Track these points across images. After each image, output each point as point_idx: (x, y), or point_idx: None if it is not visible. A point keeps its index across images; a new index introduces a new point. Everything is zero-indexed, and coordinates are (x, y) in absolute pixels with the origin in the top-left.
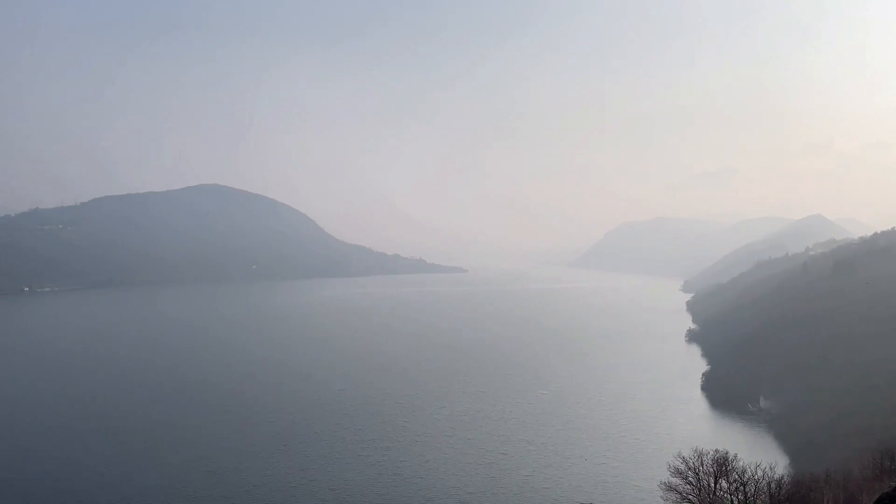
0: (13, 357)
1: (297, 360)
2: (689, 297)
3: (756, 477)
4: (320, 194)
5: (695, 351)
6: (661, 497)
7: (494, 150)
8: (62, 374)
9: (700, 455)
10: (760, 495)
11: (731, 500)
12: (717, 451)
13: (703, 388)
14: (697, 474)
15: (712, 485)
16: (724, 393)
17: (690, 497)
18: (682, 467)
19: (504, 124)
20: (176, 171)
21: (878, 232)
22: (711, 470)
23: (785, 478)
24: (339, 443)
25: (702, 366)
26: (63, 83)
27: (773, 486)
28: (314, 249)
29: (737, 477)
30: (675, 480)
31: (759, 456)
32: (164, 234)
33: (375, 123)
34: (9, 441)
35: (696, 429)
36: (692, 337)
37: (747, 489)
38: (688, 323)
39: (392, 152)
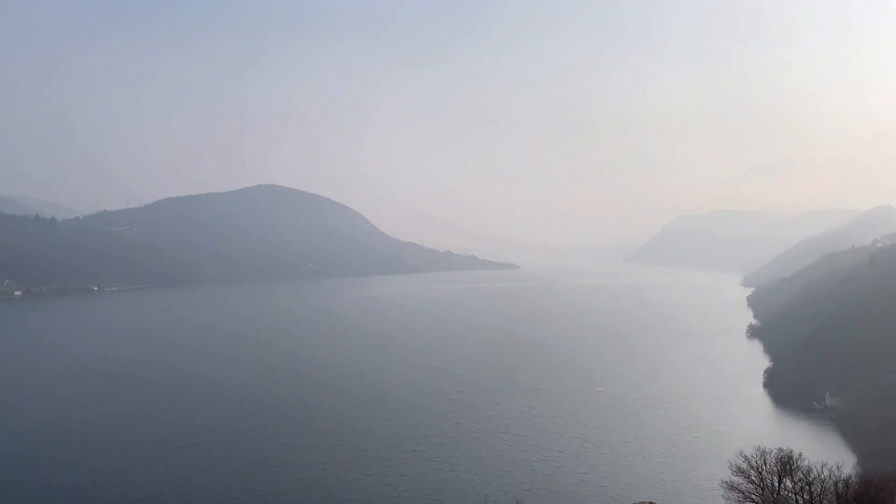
0: (84, 353)
1: (351, 357)
2: (749, 292)
3: (822, 476)
4: (373, 193)
5: (756, 347)
6: (723, 496)
7: (547, 147)
8: (127, 371)
9: (763, 454)
10: (827, 495)
11: (796, 500)
12: (780, 449)
13: (766, 386)
14: (760, 473)
15: (776, 484)
16: (787, 390)
17: (753, 496)
18: (745, 466)
19: (554, 121)
20: (234, 172)
21: None
22: (775, 469)
23: (852, 477)
24: (394, 438)
25: (764, 362)
26: (126, 90)
27: (839, 485)
28: (368, 247)
29: (801, 476)
30: (737, 479)
31: (825, 455)
32: (224, 234)
33: (425, 123)
34: (85, 428)
35: (759, 427)
36: (753, 333)
37: (813, 489)
38: (749, 318)
39: (442, 151)
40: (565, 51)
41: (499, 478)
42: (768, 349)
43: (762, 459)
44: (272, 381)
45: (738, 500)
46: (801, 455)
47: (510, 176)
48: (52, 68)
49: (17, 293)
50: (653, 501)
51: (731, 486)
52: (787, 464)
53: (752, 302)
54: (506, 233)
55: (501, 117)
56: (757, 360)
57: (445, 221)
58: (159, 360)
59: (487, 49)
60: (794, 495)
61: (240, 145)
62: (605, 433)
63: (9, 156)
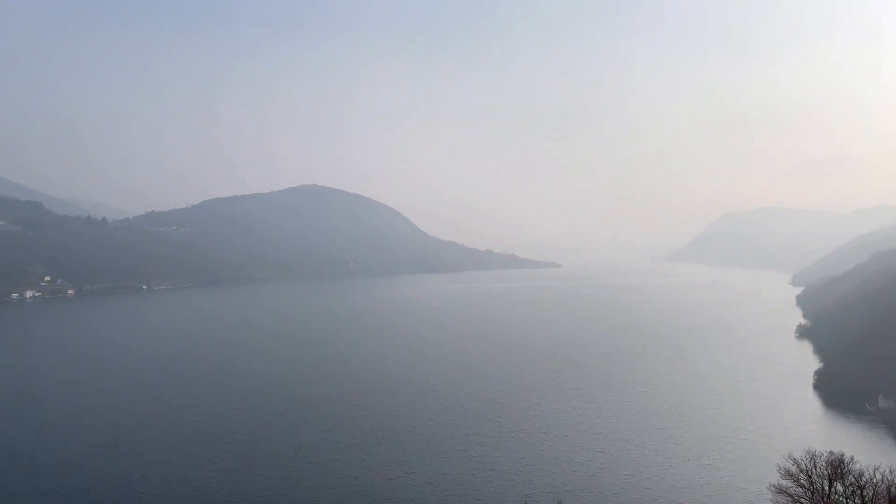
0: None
1: (393, 355)
2: (798, 290)
3: (874, 480)
4: (413, 192)
5: (806, 347)
6: (771, 500)
7: (589, 145)
8: (173, 367)
9: (813, 457)
10: (879, 500)
11: None
12: (831, 452)
13: (816, 387)
14: (810, 477)
15: (826, 488)
16: (838, 392)
17: (802, 500)
18: (794, 469)
19: (596, 119)
20: (278, 172)
21: None
22: (825, 472)
23: None
24: (435, 437)
25: (814, 363)
26: (171, 92)
27: (893, 489)
28: (408, 246)
29: (853, 480)
30: (786, 483)
31: (879, 458)
32: (267, 234)
33: (465, 123)
34: (139, 420)
35: (809, 429)
36: (803, 332)
37: (865, 493)
38: (798, 318)
39: (483, 150)
40: (611, 48)
41: (540, 478)
42: (818, 349)
43: (812, 462)
44: (314, 379)
45: None
46: (852, 458)
47: (553, 174)
48: (106, 74)
49: (70, 292)
50: None
51: (780, 490)
52: (837, 467)
53: (802, 301)
54: (547, 231)
55: (543, 118)
56: (807, 361)
57: (486, 220)
58: (203, 357)
59: (526, 51)
60: (845, 500)
61: (283, 146)
62: (649, 435)
63: (63, 159)
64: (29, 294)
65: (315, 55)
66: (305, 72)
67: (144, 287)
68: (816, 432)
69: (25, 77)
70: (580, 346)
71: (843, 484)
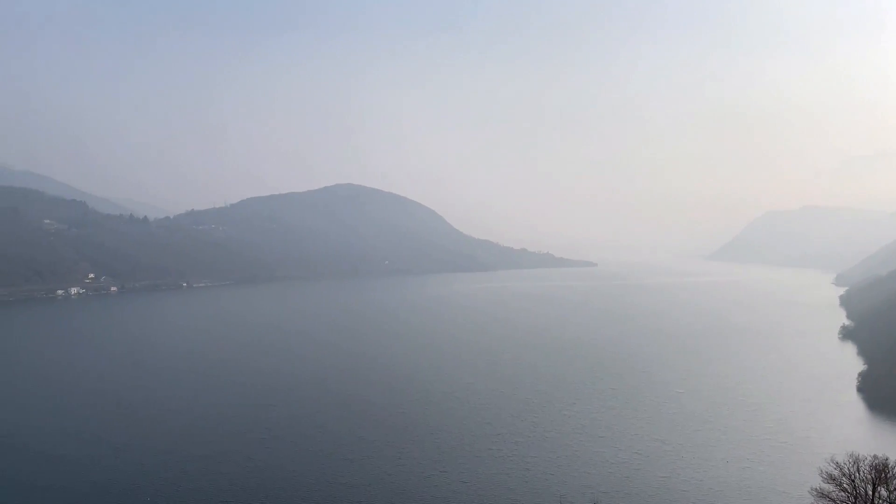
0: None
1: (428, 354)
2: (842, 291)
3: None
4: (448, 190)
5: (849, 349)
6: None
7: (626, 142)
8: (212, 364)
9: (856, 460)
10: None
11: None
12: (875, 456)
13: (860, 390)
14: (853, 481)
15: (870, 493)
16: (883, 395)
17: None
18: (836, 473)
19: (633, 115)
20: (314, 172)
21: None
22: (869, 477)
23: None
24: (469, 436)
25: (858, 365)
26: (212, 95)
27: None
28: (443, 245)
29: None
30: (828, 487)
31: None
32: (304, 232)
33: (499, 121)
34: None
35: (852, 433)
36: (846, 334)
37: None
38: (841, 319)
39: (517, 149)
40: (662, 49)
41: (575, 479)
42: (862, 351)
43: (855, 466)
44: (350, 379)
45: None
46: None
47: (589, 172)
48: (149, 76)
49: (113, 289)
50: None
51: (822, 494)
52: (882, 472)
53: (845, 301)
54: (583, 230)
55: (577, 115)
56: (850, 363)
57: (520, 219)
58: (241, 356)
59: (561, 49)
60: None
61: (319, 147)
62: (687, 436)
63: (105, 159)
64: (74, 291)
65: (351, 60)
66: (340, 75)
67: (184, 284)
68: (860, 436)
69: (69, 81)
70: (616, 347)
71: (888, 489)
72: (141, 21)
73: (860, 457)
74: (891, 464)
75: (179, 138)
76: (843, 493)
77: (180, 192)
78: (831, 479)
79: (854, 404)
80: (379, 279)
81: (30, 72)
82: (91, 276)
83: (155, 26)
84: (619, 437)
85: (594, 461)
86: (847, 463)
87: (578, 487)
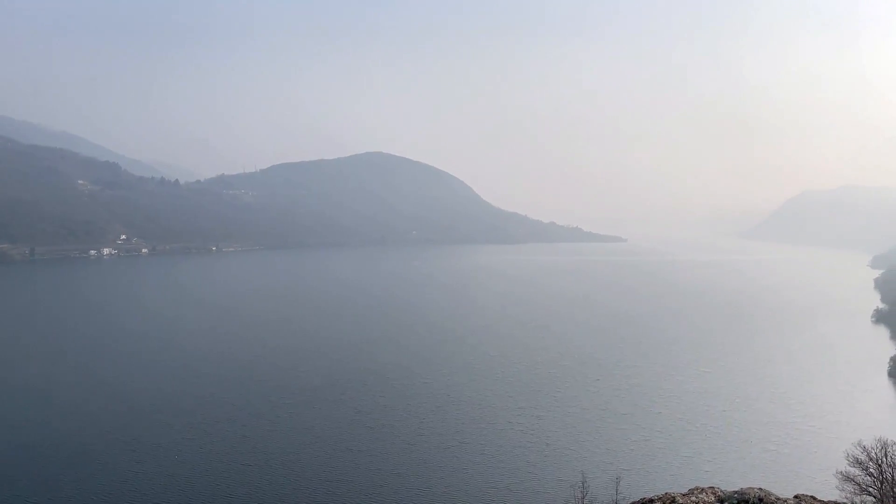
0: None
1: (452, 324)
2: (877, 273)
3: None
4: (476, 162)
5: (882, 333)
6: (837, 487)
7: (660, 114)
8: (241, 328)
9: (885, 445)
10: None
11: None
12: None
13: (891, 375)
14: (880, 466)
15: None
16: None
17: (871, 489)
18: (863, 457)
19: (673, 85)
20: (344, 139)
21: None
22: None
23: None
24: (491, 409)
25: (890, 349)
26: (242, 61)
27: None
28: (471, 216)
29: None
30: (854, 471)
31: None
32: (333, 200)
33: (533, 87)
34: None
35: (881, 418)
36: (880, 317)
37: None
38: (876, 302)
39: (540, 121)
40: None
41: (597, 455)
42: (895, 335)
43: (883, 451)
44: (374, 346)
45: (854, 493)
46: None
47: (620, 143)
48: (180, 39)
49: (144, 251)
50: (761, 488)
51: (847, 478)
52: None
53: (881, 284)
54: (613, 204)
55: (611, 86)
56: (883, 347)
57: (550, 192)
58: (271, 320)
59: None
60: None
61: (350, 113)
62: (712, 416)
63: (136, 120)
64: (106, 251)
65: (377, 30)
66: (376, 44)
67: (214, 248)
68: (889, 421)
69: (106, 43)
70: (644, 323)
71: None
72: None
73: (888, 442)
74: None
75: (210, 102)
76: (868, 478)
77: (211, 155)
78: (857, 463)
79: (885, 388)
80: (408, 249)
81: (65, 30)
82: (123, 237)
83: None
84: (642, 414)
85: (616, 438)
86: (875, 447)
87: (600, 464)
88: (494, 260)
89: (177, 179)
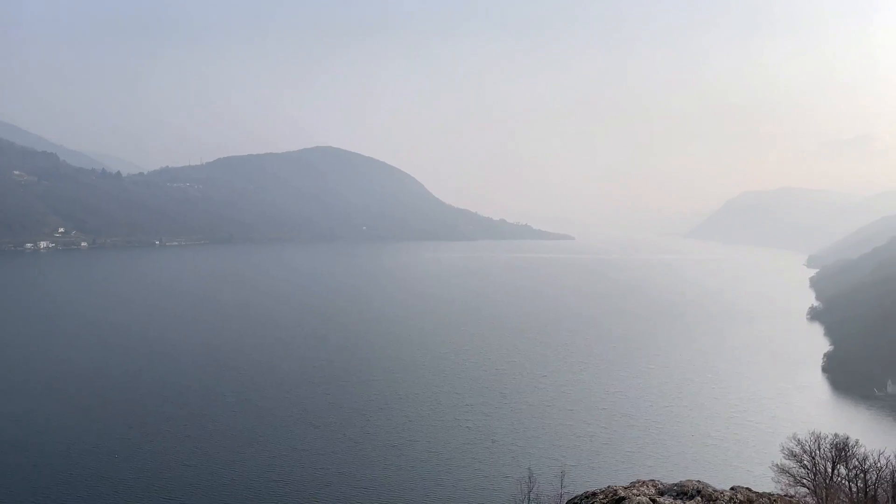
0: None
1: (398, 322)
2: (813, 272)
3: (878, 465)
4: (428, 158)
5: (817, 330)
6: (773, 479)
7: (607, 118)
8: (194, 327)
9: (817, 439)
10: (882, 483)
11: (850, 487)
12: (836, 435)
13: (825, 370)
14: (813, 458)
15: (829, 470)
16: (847, 376)
17: (804, 481)
18: (797, 450)
19: (617, 96)
20: (293, 133)
21: None
22: (829, 455)
23: None
24: (438, 406)
25: (824, 346)
26: (190, 54)
27: None
28: (422, 212)
29: (857, 464)
30: (789, 463)
31: (884, 443)
32: (281, 194)
33: (483, 92)
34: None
35: (815, 412)
36: (814, 315)
37: (868, 476)
38: (810, 300)
39: (497, 121)
40: (649, 34)
41: (543, 451)
42: (829, 333)
43: (816, 444)
44: (320, 344)
45: (789, 484)
46: (857, 442)
47: (569, 146)
48: (127, 33)
49: (83, 244)
50: (699, 480)
51: (782, 470)
52: (842, 450)
53: (815, 283)
54: (562, 203)
55: (559, 85)
56: (817, 344)
57: (500, 189)
58: (211, 319)
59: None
60: (847, 482)
61: (300, 107)
62: (655, 412)
63: (78, 110)
64: (43, 244)
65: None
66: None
67: (157, 242)
68: (823, 415)
69: (47, 30)
70: (588, 322)
71: (847, 467)
72: None
73: (821, 435)
74: (851, 443)
75: (154, 95)
76: (803, 470)
77: (154, 147)
78: (792, 455)
79: (818, 384)
80: (355, 245)
81: (8, 17)
82: (61, 230)
83: None
84: (588, 411)
85: (562, 434)
86: (808, 440)
87: (546, 460)
88: (441, 257)
89: (118, 171)
